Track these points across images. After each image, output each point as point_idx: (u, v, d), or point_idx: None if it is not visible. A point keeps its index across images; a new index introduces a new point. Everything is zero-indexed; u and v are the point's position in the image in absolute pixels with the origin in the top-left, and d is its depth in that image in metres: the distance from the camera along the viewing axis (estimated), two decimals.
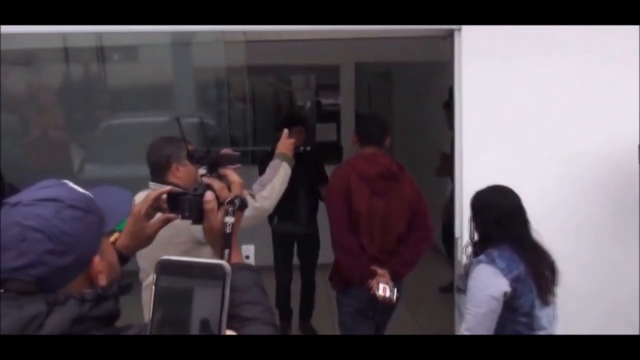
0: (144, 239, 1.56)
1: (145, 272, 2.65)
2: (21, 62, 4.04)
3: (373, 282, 3.11)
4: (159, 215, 1.57)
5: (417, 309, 5.14)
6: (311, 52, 5.73)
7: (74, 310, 1.06)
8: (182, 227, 2.05)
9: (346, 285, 3.34)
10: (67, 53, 4.07)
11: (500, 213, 2.58)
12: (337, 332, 3.59)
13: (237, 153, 1.61)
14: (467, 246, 2.78)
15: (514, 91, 3.25)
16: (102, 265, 1.16)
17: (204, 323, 0.92)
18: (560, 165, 3.29)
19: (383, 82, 8.27)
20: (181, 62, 4.26)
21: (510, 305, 2.49)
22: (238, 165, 1.56)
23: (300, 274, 4.91)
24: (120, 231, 1.54)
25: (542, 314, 2.54)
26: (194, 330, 0.92)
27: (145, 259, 2.57)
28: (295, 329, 4.96)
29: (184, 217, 1.40)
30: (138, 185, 2.55)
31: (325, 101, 7.34)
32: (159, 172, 2.64)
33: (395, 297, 3.11)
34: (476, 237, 2.69)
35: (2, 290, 1.08)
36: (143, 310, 2.64)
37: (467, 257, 2.79)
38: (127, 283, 1.20)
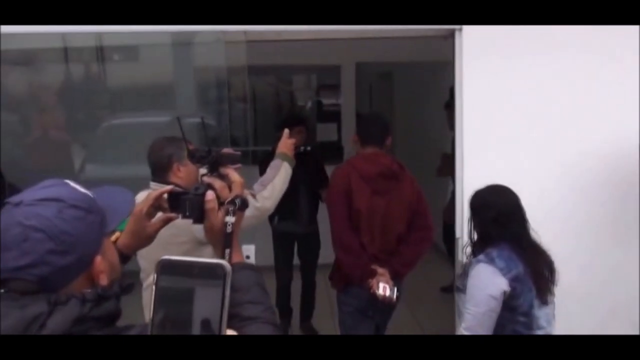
0: (145, 238, 1.57)
1: (146, 272, 2.65)
2: (22, 62, 4.04)
3: (373, 281, 3.12)
4: (159, 214, 1.57)
5: (417, 308, 5.14)
6: (312, 52, 5.73)
7: (76, 310, 1.06)
8: (182, 227, 2.05)
9: (346, 284, 3.34)
10: (67, 53, 4.07)
11: (499, 212, 2.58)
12: (338, 332, 3.59)
13: (238, 153, 1.61)
14: (466, 246, 2.79)
15: (514, 91, 3.25)
16: (104, 265, 1.17)
17: (205, 323, 0.92)
18: (560, 165, 3.29)
19: (384, 82, 8.27)
20: (182, 62, 4.26)
21: (509, 305, 2.49)
22: (239, 165, 1.56)
23: (301, 273, 4.92)
24: (121, 230, 1.55)
25: (541, 314, 2.54)
26: (196, 330, 0.92)
27: (146, 259, 2.57)
28: (295, 329, 4.96)
29: (184, 217, 1.40)
30: (139, 185, 2.55)
31: (326, 101, 7.34)
32: (160, 172, 2.64)
33: (395, 296, 3.12)
34: (475, 236, 2.70)
35: (3, 290, 1.08)
36: (144, 310, 2.64)
37: (466, 257, 2.79)
38: (129, 283, 1.20)
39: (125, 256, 1.53)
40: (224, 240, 1.35)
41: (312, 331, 4.88)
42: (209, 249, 1.52)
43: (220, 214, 1.36)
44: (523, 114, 3.26)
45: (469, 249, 2.75)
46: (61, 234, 1.10)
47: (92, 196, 1.20)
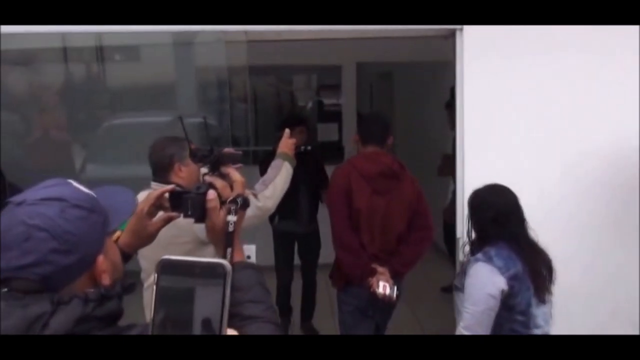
0: (146, 237, 1.57)
1: (146, 273, 2.65)
2: (22, 62, 4.04)
3: (373, 280, 3.12)
4: (161, 213, 1.57)
5: (418, 308, 5.14)
6: (313, 52, 5.73)
7: (78, 310, 1.07)
8: (184, 228, 2.05)
9: (346, 283, 3.35)
10: (69, 53, 4.07)
11: (497, 212, 2.59)
12: (338, 332, 3.59)
13: (239, 152, 1.61)
14: (465, 245, 2.79)
15: (515, 91, 3.25)
16: (106, 265, 1.17)
17: (206, 322, 0.93)
18: (561, 165, 3.29)
19: (384, 82, 8.27)
20: (183, 62, 4.26)
21: (506, 304, 2.49)
22: (240, 165, 1.57)
23: (301, 273, 4.92)
24: (122, 230, 1.55)
25: (539, 312, 2.54)
26: (197, 329, 0.92)
27: (147, 260, 2.58)
28: (296, 328, 4.96)
29: (186, 216, 1.40)
30: (140, 185, 2.55)
31: (326, 101, 7.34)
32: (161, 172, 2.64)
33: (395, 295, 3.12)
34: (474, 235, 2.70)
35: (5, 289, 1.08)
36: (145, 310, 2.64)
37: (464, 256, 2.79)
38: (130, 283, 1.20)
39: (126, 255, 1.53)
40: (225, 240, 1.35)
41: (313, 331, 4.88)
42: (210, 250, 1.52)
43: (222, 213, 1.36)
44: (523, 114, 3.26)
45: (467, 248, 2.75)
46: (64, 234, 1.10)
47: (94, 196, 1.20)
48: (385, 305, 3.24)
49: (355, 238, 3.24)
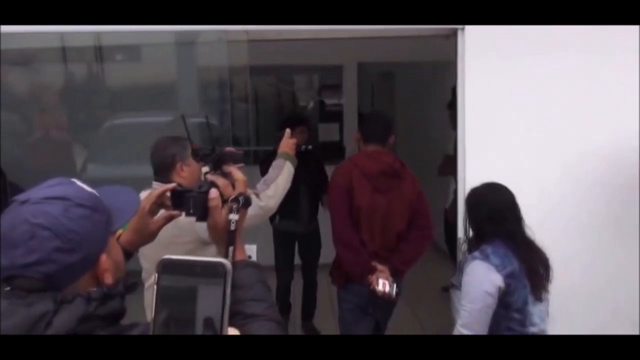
0: (148, 235, 1.57)
1: (148, 272, 2.65)
2: (22, 62, 4.05)
3: (373, 278, 3.13)
4: (162, 212, 1.58)
5: (418, 307, 5.15)
6: (314, 52, 5.73)
7: (81, 309, 1.07)
8: (185, 228, 2.06)
9: (346, 281, 3.35)
10: (70, 53, 4.08)
11: (493, 209, 2.59)
12: (339, 330, 3.60)
13: (240, 152, 1.61)
14: (462, 243, 2.80)
15: (515, 91, 3.25)
16: (109, 264, 1.17)
17: (208, 321, 0.93)
18: (561, 165, 3.30)
19: (386, 82, 8.27)
20: (184, 61, 4.26)
21: (503, 302, 2.50)
22: (241, 164, 1.57)
23: (302, 273, 4.92)
24: (123, 228, 1.55)
25: (535, 310, 2.55)
26: (199, 328, 0.93)
27: (148, 260, 2.58)
28: (296, 326, 4.96)
29: (188, 214, 1.41)
30: (141, 185, 2.55)
31: (328, 101, 7.34)
32: (163, 172, 2.64)
33: (394, 293, 3.13)
34: (470, 233, 2.71)
35: (9, 288, 1.09)
36: (145, 310, 2.64)
37: (461, 254, 2.80)
38: (133, 282, 1.21)
39: (128, 253, 1.53)
40: (227, 238, 1.35)
41: (313, 331, 4.88)
42: (212, 249, 1.52)
43: (224, 211, 1.37)
44: (524, 114, 3.27)
45: (464, 246, 2.76)
46: (68, 232, 1.10)
47: (97, 195, 1.20)
48: (385, 302, 3.25)
49: (355, 236, 3.24)
